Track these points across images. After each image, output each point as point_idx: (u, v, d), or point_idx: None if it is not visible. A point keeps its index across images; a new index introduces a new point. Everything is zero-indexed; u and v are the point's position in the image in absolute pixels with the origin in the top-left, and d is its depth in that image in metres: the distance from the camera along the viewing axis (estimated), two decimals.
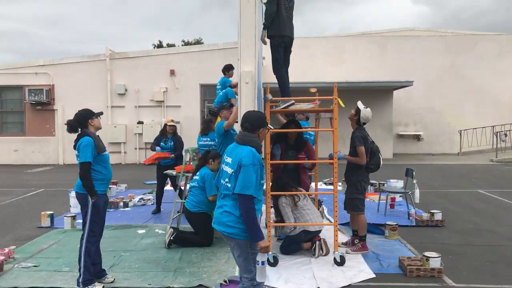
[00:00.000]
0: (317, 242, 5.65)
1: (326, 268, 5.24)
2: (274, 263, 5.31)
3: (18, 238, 6.75)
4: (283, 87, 6.35)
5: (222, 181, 3.59)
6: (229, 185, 3.45)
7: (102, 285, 4.72)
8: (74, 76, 17.98)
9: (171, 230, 6.16)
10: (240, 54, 4.71)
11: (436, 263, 4.99)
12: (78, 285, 4.65)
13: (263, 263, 3.42)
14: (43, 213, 7.52)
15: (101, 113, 4.91)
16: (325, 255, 5.65)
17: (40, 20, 75.81)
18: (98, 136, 4.77)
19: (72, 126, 4.70)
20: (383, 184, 10.28)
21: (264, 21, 6.28)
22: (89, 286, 4.63)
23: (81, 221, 7.38)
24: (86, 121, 4.70)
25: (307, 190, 6.47)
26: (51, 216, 7.50)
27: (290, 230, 5.80)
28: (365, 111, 5.89)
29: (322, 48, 21.97)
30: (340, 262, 5.30)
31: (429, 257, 5.03)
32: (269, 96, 5.26)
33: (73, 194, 8.80)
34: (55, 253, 5.98)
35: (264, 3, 6.25)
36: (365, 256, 5.71)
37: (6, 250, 5.61)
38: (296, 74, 21.81)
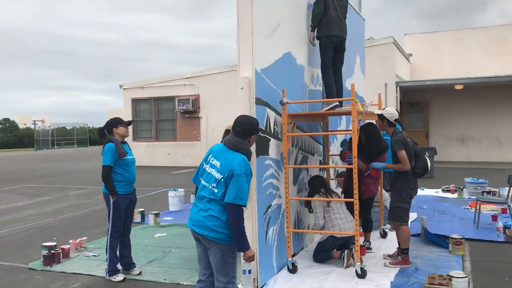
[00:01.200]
0: (346, 251, 5.31)
1: (343, 279, 4.91)
2: (293, 270, 5.17)
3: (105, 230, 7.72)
4: (328, 90, 6.15)
5: (205, 183, 3.49)
6: (216, 191, 3.38)
7: (124, 276, 5.21)
8: (216, 86, 19.46)
9: None
10: (238, 60, 4.72)
11: (460, 284, 4.29)
12: (106, 274, 5.23)
13: (249, 271, 3.50)
14: (135, 209, 8.42)
15: (130, 122, 5.42)
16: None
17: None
18: (124, 142, 5.30)
19: (100, 132, 5.31)
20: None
21: (311, 22, 6.19)
22: (113, 276, 5.17)
23: (166, 218, 8.17)
24: (112, 129, 5.25)
25: (372, 198, 6.08)
26: (142, 213, 8.38)
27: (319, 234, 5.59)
28: (387, 110, 5.42)
29: (479, 39, 19.99)
30: (361, 274, 4.91)
31: (453, 276, 4.35)
32: (285, 100, 5.15)
33: (172, 193, 9.68)
34: None
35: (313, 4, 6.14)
36: (403, 271, 5.17)
37: (78, 240, 6.52)
38: (446, 69, 20.33)
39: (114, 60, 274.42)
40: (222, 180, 3.34)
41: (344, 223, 5.38)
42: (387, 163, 5.61)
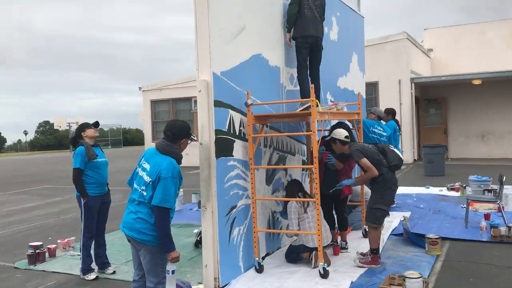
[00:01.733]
0: (314, 252, 5.31)
1: (304, 279, 4.93)
2: (259, 269, 5.23)
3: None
4: (303, 90, 6.16)
5: (136, 185, 3.64)
6: (145, 194, 3.51)
7: (96, 275, 5.39)
8: None
9: (199, 231, 6.50)
10: (197, 64, 4.81)
11: (413, 285, 4.25)
12: (80, 273, 5.43)
13: (173, 272, 3.60)
14: None
15: (97, 124, 5.60)
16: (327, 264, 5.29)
17: None
18: (96, 145, 5.49)
19: (72, 141, 5.53)
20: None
21: (286, 23, 6.23)
22: (86, 275, 5.36)
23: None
24: (80, 134, 5.45)
25: (346, 197, 6.08)
26: None
27: (291, 237, 5.61)
28: (335, 132, 5.52)
29: (502, 32, 19.50)
30: (324, 274, 4.92)
31: (407, 277, 4.31)
32: (249, 101, 5.21)
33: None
34: (109, 246, 6.91)
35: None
36: (371, 271, 5.14)
37: (66, 240, 6.76)
38: (468, 64, 19.83)
39: (151, 61, 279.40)
40: (151, 183, 3.47)
41: (324, 232, 5.36)
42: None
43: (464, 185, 9.82)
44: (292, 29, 6.22)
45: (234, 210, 5.12)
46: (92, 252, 5.49)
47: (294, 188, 5.63)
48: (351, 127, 6.24)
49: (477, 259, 5.46)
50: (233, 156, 5.14)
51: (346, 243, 6.03)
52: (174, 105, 21.07)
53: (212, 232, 4.79)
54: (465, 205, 8.32)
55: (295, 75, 6.46)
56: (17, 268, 5.95)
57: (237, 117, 5.24)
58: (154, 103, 21.52)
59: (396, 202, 8.85)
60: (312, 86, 5.08)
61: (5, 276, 5.64)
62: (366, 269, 5.21)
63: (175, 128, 3.64)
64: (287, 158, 6.42)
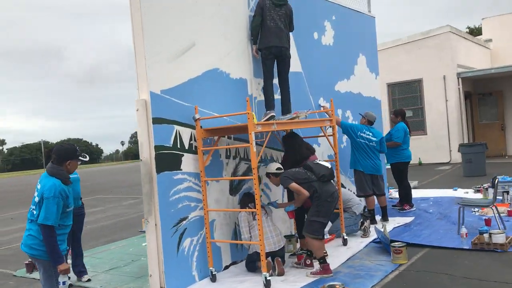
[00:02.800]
0: (276, 259, 5.38)
1: None
2: (212, 278, 5.38)
3: (111, 240, 8.51)
4: (267, 100, 6.23)
5: (32, 205, 3.97)
6: (35, 212, 3.87)
7: (70, 282, 5.83)
8: None
9: None
10: (137, 84, 5.07)
11: None
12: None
13: (64, 283, 3.93)
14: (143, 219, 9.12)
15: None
16: (278, 275, 5.33)
17: None
18: None
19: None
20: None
21: (251, 36, 6.35)
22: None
23: None
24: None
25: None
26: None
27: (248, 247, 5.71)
28: (270, 166, 5.70)
29: None
30: (266, 284, 4.96)
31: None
32: (196, 116, 5.39)
33: None
34: (104, 253, 7.42)
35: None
36: (319, 281, 5.09)
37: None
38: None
39: None
40: (38, 203, 3.82)
41: (268, 239, 5.45)
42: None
43: (486, 187, 9.22)
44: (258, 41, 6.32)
45: (184, 222, 5.32)
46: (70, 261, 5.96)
47: (245, 200, 5.80)
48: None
49: (441, 268, 5.20)
50: (181, 169, 5.35)
51: (307, 251, 6.00)
52: None
53: (156, 244, 5.04)
54: (476, 210, 7.92)
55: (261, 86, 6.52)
56: (16, 276, 6.57)
57: (186, 131, 5.44)
58: None
59: (414, 207, 8.55)
60: (247, 99, 5.16)
61: (0, 283, 6.28)
62: (316, 278, 5.18)
63: (60, 151, 3.96)
64: (260, 167, 6.49)
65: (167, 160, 5.19)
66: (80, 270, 6.02)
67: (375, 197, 7.75)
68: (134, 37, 5.07)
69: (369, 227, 6.92)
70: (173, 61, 5.32)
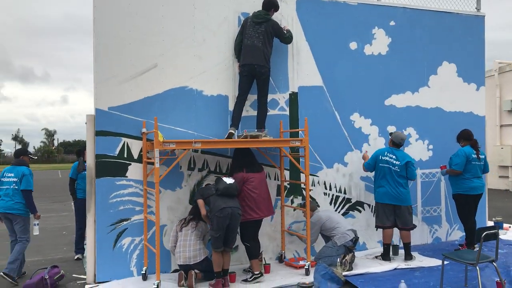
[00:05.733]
0: (190, 272, 5.65)
1: None
2: (143, 276, 5.96)
3: None
4: (233, 116, 6.35)
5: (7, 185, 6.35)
6: (16, 187, 6.49)
7: (78, 256, 7.31)
8: None
9: None
10: (94, 94, 6.02)
11: None
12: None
13: (37, 224, 5.64)
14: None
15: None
16: (188, 287, 5.59)
17: None
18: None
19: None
20: None
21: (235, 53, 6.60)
22: (77, 255, 7.38)
23: None
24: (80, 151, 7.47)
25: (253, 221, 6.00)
26: None
27: None
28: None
29: None
30: None
31: None
32: (143, 130, 6.04)
33: None
34: None
35: None
36: None
37: None
38: None
39: None
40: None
41: (185, 252, 5.73)
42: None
43: None
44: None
45: (125, 222, 6.09)
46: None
47: (191, 211, 6.09)
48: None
49: None
50: (126, 176, 6.11)
51: (250, 273, 5.90)
52: None
53: (92, 236, 5.98)
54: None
55: (253, 99, 6.60)
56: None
57: (135, 143, 6.14)
58: None
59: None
60: (155, 118, 5.50)
61: None
62: None
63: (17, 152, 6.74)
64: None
65: (110, 167, 6.03)
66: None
67: (394, 230, 6.78)
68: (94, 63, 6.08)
69: (352, 262, 6.22)
70: (127, 81, 6.09)
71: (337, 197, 7.27)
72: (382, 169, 6.68)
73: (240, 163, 6.02)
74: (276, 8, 6.54)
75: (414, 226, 6.79)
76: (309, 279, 5.72)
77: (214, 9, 6.54)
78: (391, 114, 7.62)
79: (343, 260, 6.19)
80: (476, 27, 8.28)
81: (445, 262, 5.43)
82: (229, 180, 5.58)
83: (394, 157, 6.64)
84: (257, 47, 6.27)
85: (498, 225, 8.81)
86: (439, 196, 7.99)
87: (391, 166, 6.62)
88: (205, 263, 5.77)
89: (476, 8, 8.34)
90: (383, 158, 6.68)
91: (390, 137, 6.90)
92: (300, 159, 6.84)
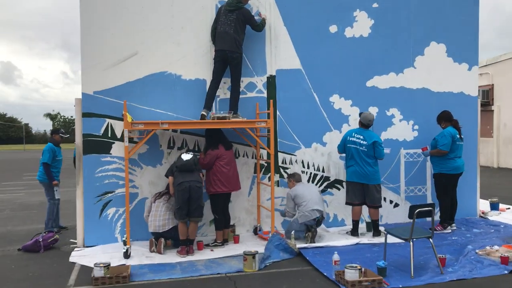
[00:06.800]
0: (159, 240, 6.32)
1: (133, 254, 6.21)
2: (123, 243, 6.68)
3: None
4: (205, 99, 6.84)
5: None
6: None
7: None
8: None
9: None
10: (81, 80, 6.69)
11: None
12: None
13: (56, 190, 6.43)
14: None
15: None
16: (157, 253, 6.25)
17: None
18: None
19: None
20: None
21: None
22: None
23: None
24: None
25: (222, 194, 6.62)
26: None
27: None
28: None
29: None
30: (125, 252, 6.03)
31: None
32: (124, 112, 6.69)
33: None
34: None
35: None
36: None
37: None
38: None
39: None
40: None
41: (155, 221, 6.37)
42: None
43: None
44: None
45: (109, 194, 6.82)
46: None
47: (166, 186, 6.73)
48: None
49: None
50: (110, 154, 6.82)
51: (214, 241, 6.51)
52: None
53: (81, 207, 6.77)
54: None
55: (227, 84, 7.06)
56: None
57: (119, 124, 6.81)
58: None
59: (449, 230, 7.17)
60: (124, 102, 6.11)
61: None
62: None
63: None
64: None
65: (95, 145, 6.76)
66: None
67: (362, 207, 7.07)
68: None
69: (314, 238, 6.59)
70: (110, 68, 6.75)
71: (315, 175, 7.61)
72: (349, 150, 6.94)
73: (216, 140, 6.55)
74: None
75: (380, 206, 7.00)
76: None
77: None
78: (373, 95, 7.78)
79: (305, 235, 6.59)
80: (470, 7, 8.17)
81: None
82: (186, 157, 6.14)
83: (361, 137, 6.87)
84: (229, 34, 6.68)
85: (494, 206, 8.83)
86: (425, 176, 8.10)
87: (358, 146, 6.86)
88: (173, 232, 6.38)
89: None
90: (350, 139, 6.93)
91: (358, 117, 7.11)
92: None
